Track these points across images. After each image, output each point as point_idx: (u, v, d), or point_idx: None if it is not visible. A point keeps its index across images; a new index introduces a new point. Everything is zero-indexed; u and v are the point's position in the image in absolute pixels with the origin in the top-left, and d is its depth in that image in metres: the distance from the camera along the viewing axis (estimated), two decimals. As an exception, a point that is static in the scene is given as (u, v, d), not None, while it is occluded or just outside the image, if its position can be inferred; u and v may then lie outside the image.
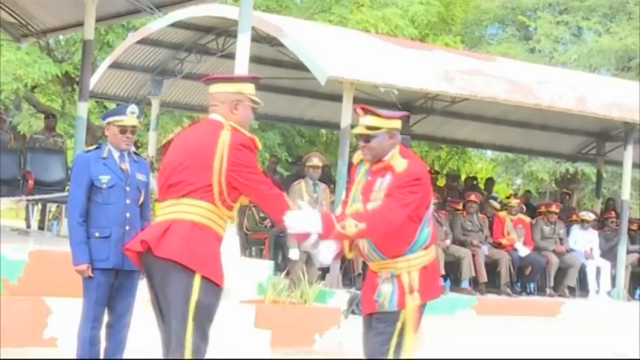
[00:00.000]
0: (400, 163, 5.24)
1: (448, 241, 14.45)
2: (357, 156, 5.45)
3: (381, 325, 5.28)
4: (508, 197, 17.59)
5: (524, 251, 15.28)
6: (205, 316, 5.07)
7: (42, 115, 19.18)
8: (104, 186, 6.45)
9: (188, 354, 5.02)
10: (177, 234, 5.02)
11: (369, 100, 16.60)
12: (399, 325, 5.23)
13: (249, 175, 5.07)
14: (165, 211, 5.13)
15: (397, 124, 5.35)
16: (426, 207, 5.28)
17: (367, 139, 5.29)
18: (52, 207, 14.88)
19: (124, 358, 6.66)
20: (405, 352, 5.25)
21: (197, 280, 5.00)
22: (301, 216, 5.01)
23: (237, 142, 5.05)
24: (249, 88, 5.29)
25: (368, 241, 5.26)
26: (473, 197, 15.31)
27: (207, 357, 5.17)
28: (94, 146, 6.77)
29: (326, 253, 5.22)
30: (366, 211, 5.21)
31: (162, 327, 5.21)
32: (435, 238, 5.45)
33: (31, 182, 11.98)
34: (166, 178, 5.16)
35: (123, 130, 6.54)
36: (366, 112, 5.34)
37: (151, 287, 5.23)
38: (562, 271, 15.71)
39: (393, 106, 17.09)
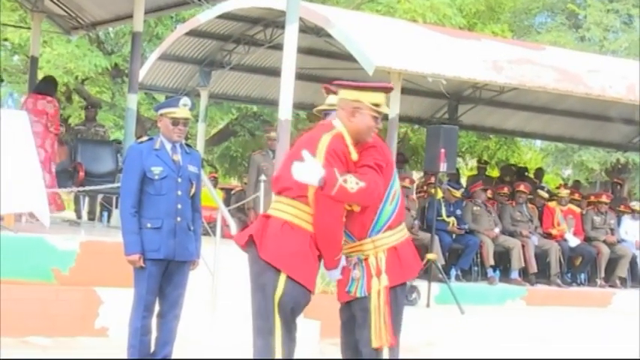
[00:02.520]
0: None
1: (497, 230, 14.37)
2: None
3: (360, 315, 5.26)
4: (558, 187, 17.45)
5: (574, 241, 15.16)
6: (288, 314, 5.12)
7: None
8: (156, 177, 6.49)
9: (278, 354, 5.04)
10: (270, 232, 5.12)
11: (417, 90, 16.60)
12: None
13: None
14: (271, 206, 5.31)
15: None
16: (385, 184, 5.22)
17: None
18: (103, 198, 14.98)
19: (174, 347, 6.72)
20: (372, 337, 5.19)
21: (282, 279, 5.07)
22: (305, 167, 4.99)
23: (331, 148, 5.08)
24: (369, 97, 5.20)
25: None
26: (522, 187, 15.21)
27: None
28: (146, 138, 6.81)
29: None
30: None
31: None
32: (403, 216, 5.38)
33: (81, 173, 12.08)
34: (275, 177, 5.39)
35: (175, 122, 6.58)
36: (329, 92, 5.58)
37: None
38: (613, 262, 15.57)
39: (441, 96, 17.07)
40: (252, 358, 5.13)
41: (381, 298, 5.19)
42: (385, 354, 5.23)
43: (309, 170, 4.96)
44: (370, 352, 5.23)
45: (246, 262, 5.27)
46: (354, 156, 5.15)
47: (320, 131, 5.21)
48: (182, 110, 6.59)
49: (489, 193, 14.86)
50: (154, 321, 6.58)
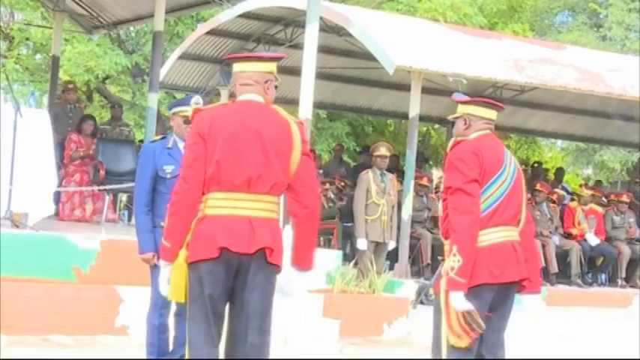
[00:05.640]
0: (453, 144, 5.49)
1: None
2: None
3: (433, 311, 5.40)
4: (580, 187, 17.39)
5: (594, 240, 15.08)
6: None
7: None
8: (168, 176, 6.47)
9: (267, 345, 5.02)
10: (271, 235, 4.93)
11: (438, 90, 16.55)
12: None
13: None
14: (242, 205, 4.90)
15: (470, 109, 5.80)
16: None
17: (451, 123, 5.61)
18: (123, 197, 15.02)
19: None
20: (443, 335, 5.25)
21: (276, 276, 5.02)
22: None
23: (303, 134, 5.04)
24: (275, 68, 5.13)
25: None
26: (538, 186, 15.10)
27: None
28: (159, 136, 6.83)
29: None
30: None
31: (222, 314, 5.05)
32: (490, 223, 5.23)
33: (102, 172, 12.13)
34: (240, 169, 4.88)
35: (187, 120, 6.56)
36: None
37: (231, 277, 4.94)
38: (634, 262, 15.49)
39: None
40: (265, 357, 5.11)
41: (442, 298, 5.24)
42: (444, 354, 5.27)
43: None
44: (435, 351, 5.32)
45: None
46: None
47: (279, 122, 4.98)
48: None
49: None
50: (171, 319, 6.59)
